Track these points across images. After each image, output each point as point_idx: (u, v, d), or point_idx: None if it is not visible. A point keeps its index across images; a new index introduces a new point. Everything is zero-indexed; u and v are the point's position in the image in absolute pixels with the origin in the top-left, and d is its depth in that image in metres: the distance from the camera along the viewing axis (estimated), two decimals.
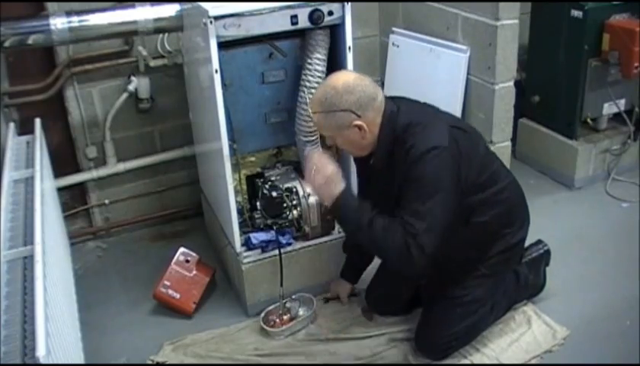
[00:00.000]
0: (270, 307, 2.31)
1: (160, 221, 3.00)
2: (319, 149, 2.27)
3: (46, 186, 1.96)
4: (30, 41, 2.25)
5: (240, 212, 2.30)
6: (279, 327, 2.26)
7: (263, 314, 2.29)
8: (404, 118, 1.88)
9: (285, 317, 2.30)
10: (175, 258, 2.44)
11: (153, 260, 2.68)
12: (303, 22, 2.10)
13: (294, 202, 2.30)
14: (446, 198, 1.80)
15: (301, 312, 2.32)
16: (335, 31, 2.19)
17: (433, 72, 2.75)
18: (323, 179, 1.85)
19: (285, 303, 2.31)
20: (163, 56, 2.74)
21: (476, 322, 2.10)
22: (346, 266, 2.36)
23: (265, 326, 2.25)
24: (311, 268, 2.39)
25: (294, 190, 2.30)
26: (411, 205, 1.79)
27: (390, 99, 1.94)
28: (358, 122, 1.85)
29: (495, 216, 2.00)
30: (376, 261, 2.30)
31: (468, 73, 2.66)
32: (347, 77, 1.88)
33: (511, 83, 2.58)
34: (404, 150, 1.83)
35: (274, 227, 2.31)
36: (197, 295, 2.40)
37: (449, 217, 1.82)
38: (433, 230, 1.76)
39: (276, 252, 2.29)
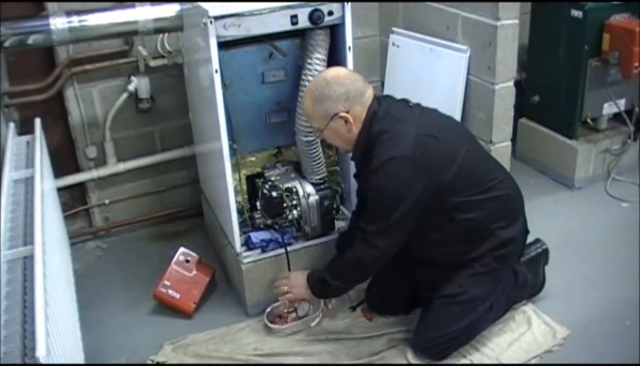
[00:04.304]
0: (276, 304, 2.30)
1: (160, 221, 3.00)
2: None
3: (46, 186, 1.96)
4: (30, 41, 2.25)
5: (240, 212, 2.30)
6: (281, 324, 2.25)
7: (269, 309, 2.28)
8: (378, 123, 1.97)
9: (291, 315, 2.28)
10: (175, 258, 2.44)
11: (153, 260, 2.68)
12: (303, 22, 2.10)
13: (294, 202, 2.30)
14: (402, 204, 1.91)
15: (307, 311, 2.29)
16: (335, 31, 2.19)
17: (433, 72, 2.75)
18: (292, 288, 2.22)
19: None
20: (163, 56, 2.74)
21: (475, 321, 2.09)
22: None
23: (269, 323, 2.24)
24: (311, 268, 2.38)
25: (294, 190, 2.30)
26: (368, 213, 2.00)
27: (376, 99, 2.02)
28: (344, 114, 1.95)
29: (483, 213, 2.01)
30: None
31: (468, 73, 2.66)
32: (338, 71, 2.03)
33: (511, 83, 2.58)
34: (371, 157, 1.95)
35: (275, 227, 2.32)
36: (197, 295, 2.40)
37: (407, 220, 1.95)
38: (384, 232, 1.96)
39: (276, 251, 2.30)
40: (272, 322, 2.27)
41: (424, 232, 2.01)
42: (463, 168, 1.97)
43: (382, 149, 1.92)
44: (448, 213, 1.99)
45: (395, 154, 1.89)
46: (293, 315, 2.29)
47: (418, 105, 2.09)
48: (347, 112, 1.95)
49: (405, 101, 2.08)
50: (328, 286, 2.13)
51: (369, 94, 1.99)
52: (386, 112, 1.99)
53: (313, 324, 2.27)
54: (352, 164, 2.32)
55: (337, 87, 1.94)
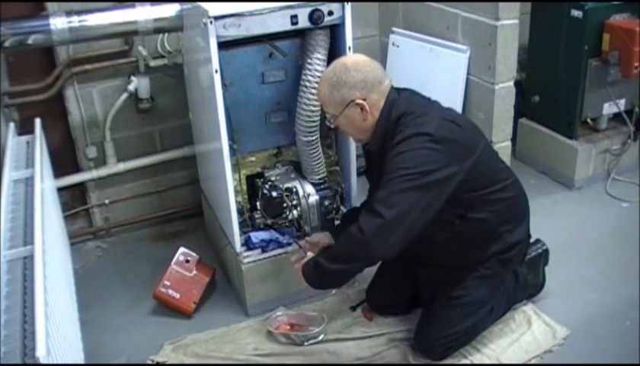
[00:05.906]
0: (289, 312, 2.28)
1: (160, 221, 3.00)
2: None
3: (46, 186, 1.96)
4: (30, 41, 2.25)
5: (240, 212, 2.30)
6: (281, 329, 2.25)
7: (280, 312, 2.27)
8: (400, 108, 1.93)
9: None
10: (175, 258, 2.44)
11: (153, 260, 2.68)
12: (303, 22, 2.10)
13: (294, 202, 2.30)
14: (416, 176, 1.80)
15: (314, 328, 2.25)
16: (335, 31, 2.19)
17: (433, 72, 2.75)
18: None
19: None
20: (163, 56, 2.75)
21: (476, 322, 2.10)
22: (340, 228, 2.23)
23: (270, 327, 2.23)
24: None
25: (294, 190, 2.30)
26: (380, 182, 1.84)
27: (395, 89, 1.99)
28: (361, 101, 1.90)
29: (493, 214, 2.00)
30: None
31: (468, 73, 2.66)
32: (357, 58, 1.98)
33: (511, 83, 2.58)
34: (392, 137, 1.88)
35: (275, 227, 2.32)
36: (197, 295, 2.41)
37: (417, 197, 1.81)
38: (391, 202, 1.79)
39: (276, 251, 2.30)
40: (276, 328, 2.24)
41: (433, 231, 1.97)
42: (481, 162, 1.94)
43: (406, 127, 1.86)
44: (461, 210, 1.96)
45: (420, 130, 1.83)
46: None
47: (435, 101, 2.06)
48: (364, 100, 1.91)
49: (423, 96, 2.07)
50: (322, 270, 1.93)
51: (387, 83, 1.96)
52: (407, 101, 1.96)
53: (307, 343, 2.21)
54: (352, 164, 2.33)
55: (356, 73, 1.90)
